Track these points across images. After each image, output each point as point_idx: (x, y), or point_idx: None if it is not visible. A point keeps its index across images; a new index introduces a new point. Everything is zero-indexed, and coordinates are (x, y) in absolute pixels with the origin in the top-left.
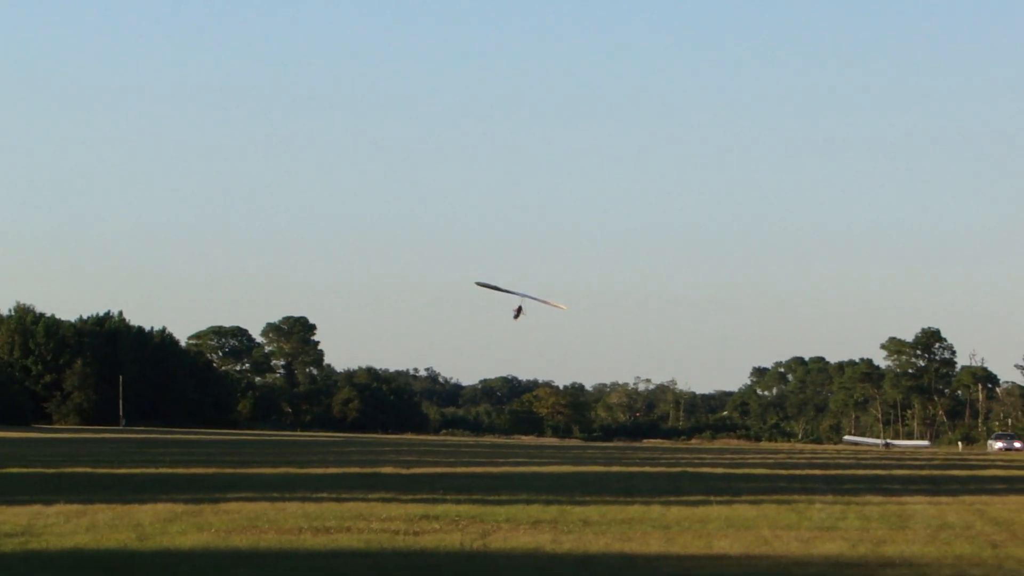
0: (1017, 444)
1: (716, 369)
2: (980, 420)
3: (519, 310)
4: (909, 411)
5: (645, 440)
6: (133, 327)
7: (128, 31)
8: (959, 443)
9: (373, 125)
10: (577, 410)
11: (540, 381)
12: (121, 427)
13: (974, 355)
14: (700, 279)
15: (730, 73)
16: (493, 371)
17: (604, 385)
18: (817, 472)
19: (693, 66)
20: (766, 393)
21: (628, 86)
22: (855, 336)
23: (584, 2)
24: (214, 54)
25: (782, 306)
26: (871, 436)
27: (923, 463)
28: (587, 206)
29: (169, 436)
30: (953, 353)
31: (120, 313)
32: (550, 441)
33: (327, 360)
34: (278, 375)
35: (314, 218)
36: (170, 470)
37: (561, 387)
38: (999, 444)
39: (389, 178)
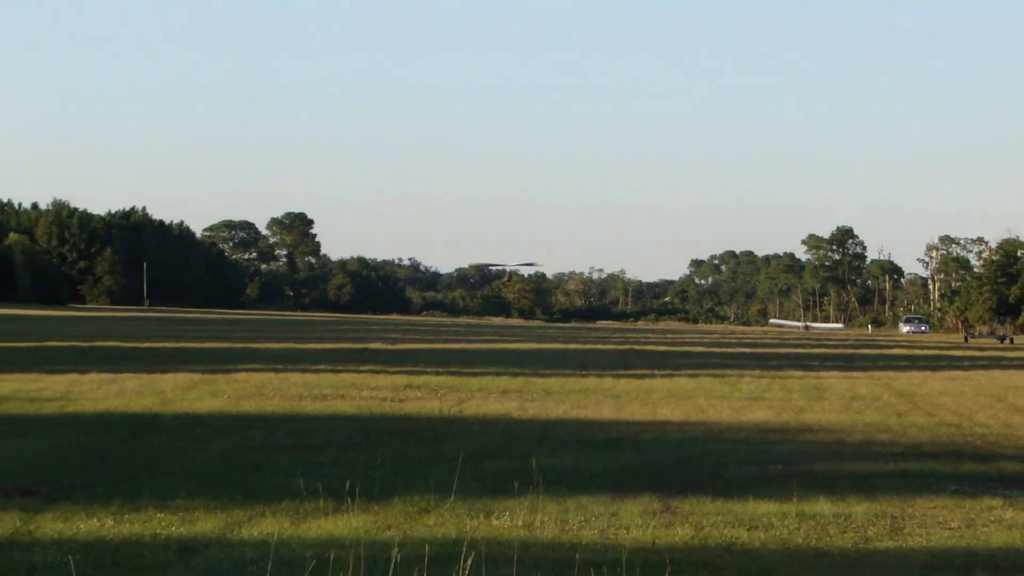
0: (924, 327)
1: (659, 260)
2: (887, 306)
3: (509, 276)
4: (826, 298)
5: (598, 322)
6: (155, 220)
7: None
8: (869, 326)
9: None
10: (539, 295)
11: (508, 269)
12: (145, 307)
13: (882, 250)
14: (647, 182)
15: None
16: (467, 259)
17: (563, 274)
18: (746, 350)
19: None
20: (703, 282)
21: None
22: (780, 232)
23: None
24: None
25: (717, 206)
26: (793, 319)
27: (837, 343)
28: (550, 123)
29: (187, 315)
30: (864, 248)
31: (144, 208)
32: (516, 322)
33: (323, 250)
34: (281, 263)
35: (315, 123)
36: (188, 344)
37: (527, 276)
38: (907, 327)
39: (384, 89)
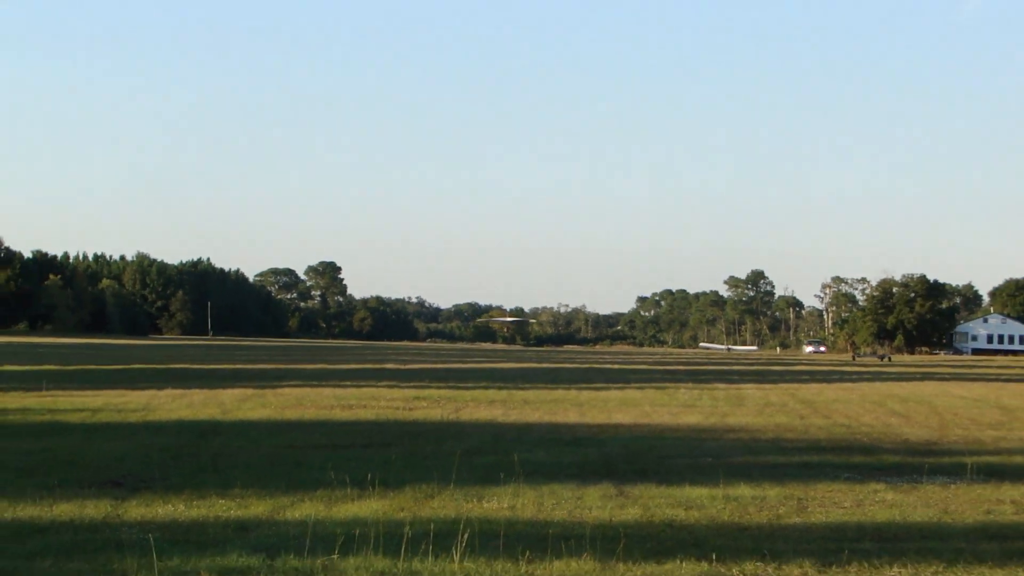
0: (822, 348)
1: (613, 297)
2: (792, 332)
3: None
4: (743, 326)
5: (565, 346)
6: (217, 268)
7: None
8: (777, 348)
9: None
10: (519, 325)
11: (494, 305)
12: (209, 337)
13: (787, 288)
14: (602, 231)
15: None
16: (462, 298)
17: (537, 308)
18: (681, 368)
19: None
20: (647, 313)
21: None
22: (706, 273)
23: None
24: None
25: (658, 252)
26: (718, 343)
27: (753, 362)
28: (531, 177)
29: (241, 343)
30: (773, 286)
31: (208, 258)
32: (501, 347)
33: (349, 291)
34: (316, 301)
35: (342, 187)
36: (243, 366)
37: (508, 309)
38: (810, 348)
39: (406, 159)
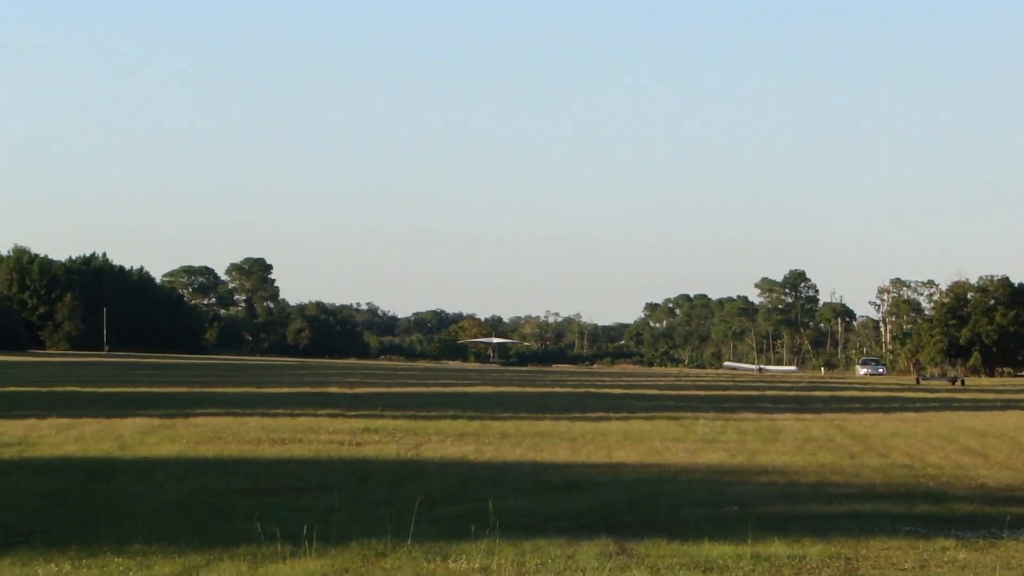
0: (881, 369)
1: (615, 304)
2: (840, 349)
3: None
4: (779, 341)
5: (554, 365)
6: (115, 266)
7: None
8: (822, 368)
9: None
10: (496, 339)
11: (465, 314)
12: (104, 352)
13: (834, 293)
14: (600, 223)
15: None
16: (424, 304)
17: (519, 317)
18: (701, 393)
19: None
20: (657, 325)
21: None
22: (733, 275)
23: None
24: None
25: (671, 248)
26: (747, 362)
27: (791, 385)
28: (507, 165)
29: (146, 360)
30: (816, 291)
31: (104, 254)
32: (473, 366)
33: (282, 295)
34: (240, 308)
35: (273, 168)
36: (147, 389)
37: (483, 319)
38: (864, 369)
39: (339, 141)
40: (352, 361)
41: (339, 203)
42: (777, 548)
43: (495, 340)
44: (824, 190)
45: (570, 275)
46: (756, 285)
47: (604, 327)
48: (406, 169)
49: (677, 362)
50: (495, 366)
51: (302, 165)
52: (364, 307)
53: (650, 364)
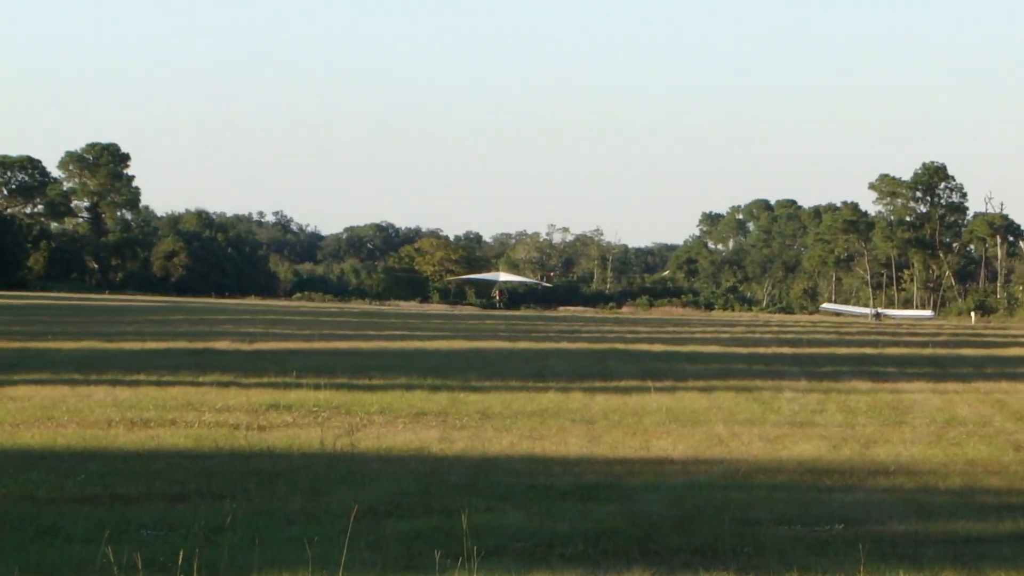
0: None
1: (655, 215)
2: (999, 284)
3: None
4: (907, 271)
5: (562, 308)
6: None
7: None
8: (972, 313)
9: None
10: (473, 268)
11: (424, 230)
12: None
13: (990, 199)
14: (635, 96)
15: None
16: (362, 216)
17: (508, 235)
18: (786, 351)
19: None
20: (719, 247)
21: None
22: (836, 173)
23: None
24: None
25: (741, 133)
26: (857, 304)
27: (925, 339)
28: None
29: None
30: (963, 196)
31: None
32: (438, 308)
33: (145, 201)
34: (80, 220)
35: (125, 21)
36: None
37: (452, 237)
38: None
39: None
40: (252, 301)
41: (225, 64)
42: None
43: (479, 277)
44: (972, 50)
45: (586, 172)
46: (872, 186)
47: (639, 250)
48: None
49: (750, 304)
50: (472, 309)
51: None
52: (271, 219)
53: (709, 307)
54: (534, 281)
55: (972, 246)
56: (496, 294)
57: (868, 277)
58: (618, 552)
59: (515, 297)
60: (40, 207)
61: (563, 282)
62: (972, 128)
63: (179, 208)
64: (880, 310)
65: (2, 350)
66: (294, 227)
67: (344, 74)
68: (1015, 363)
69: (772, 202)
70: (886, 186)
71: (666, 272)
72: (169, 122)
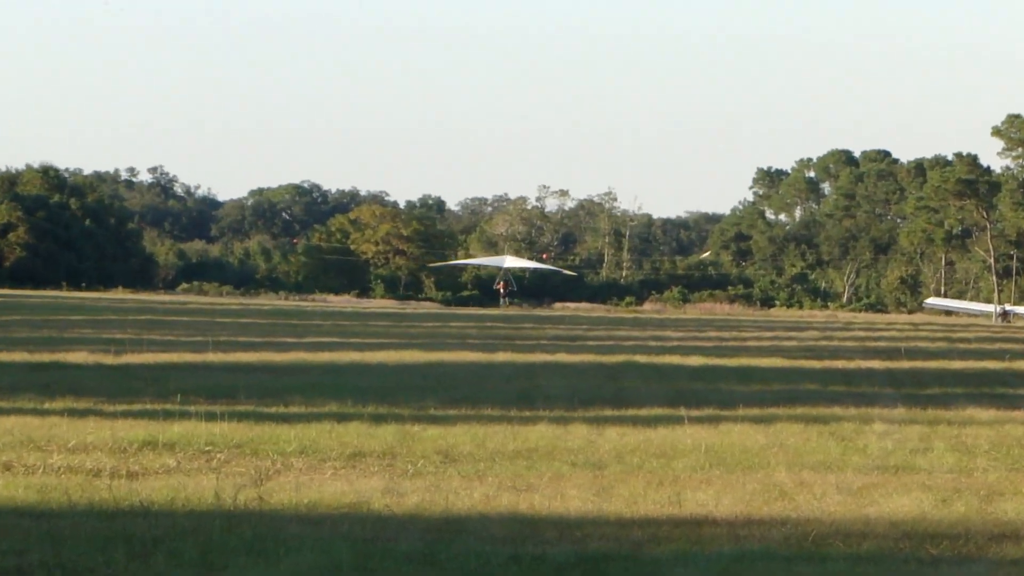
0: None
1: (690, 175)
2: None
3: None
4: None
5: (558, 304)
6: None
7: None
8: None
9: None
10: (432, 246)
11: (363, 193)
12: None
13: None
14: (664, 15)
15: None
16: (276, 176)
17: (482, 202)
18: (876, 365)
19: None
20: (783, 218)
21: None
22: (946, 115)
23: None
24: None
25: (811, 62)
26: (976, 299)
27: None
28: None
29: None
30: None
31: None
32: (383, 304)
33: None
34: None
35: None
36: None
37: (403, 204)
38: None
39: None
40: (120, 295)
41: None
42: None
43: (475, 262)
44: None
45: (595, 118)
46: (997, 131)
47: (667, 222)
48: None
49: (825, 299)
50: (430, 306)
51: None
52: (146, 179)
53: (767, 303)
54: (551, 267)
55: None
56: (501, 286)
57: (992, 261)
58: None
59: (486, 287)
60: None
61: (561, 267)
62: None
63: (16, 164)
64: (1009, 307)
65: None
66: (178, 190)
67: None
68: None
69: (856, 154)
70: (1016, 131)
71: (706, 254)
72: (8, 47)
